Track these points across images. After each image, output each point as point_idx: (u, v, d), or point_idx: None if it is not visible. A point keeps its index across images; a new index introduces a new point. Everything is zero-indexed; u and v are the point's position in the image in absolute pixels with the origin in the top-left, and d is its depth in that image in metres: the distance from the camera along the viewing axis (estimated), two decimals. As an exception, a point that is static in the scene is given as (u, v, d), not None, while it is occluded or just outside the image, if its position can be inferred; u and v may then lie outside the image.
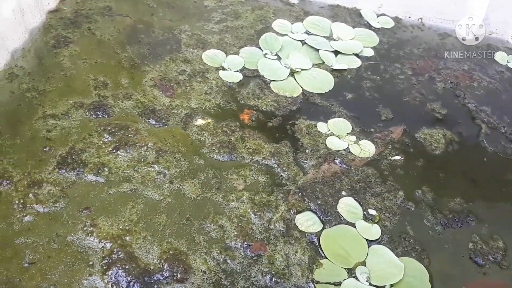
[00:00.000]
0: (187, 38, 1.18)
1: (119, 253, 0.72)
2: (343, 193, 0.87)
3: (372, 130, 1.01)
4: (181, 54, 1.13)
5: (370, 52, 1.22)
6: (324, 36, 1.24)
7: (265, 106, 1.03)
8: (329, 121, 1.01)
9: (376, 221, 0.83)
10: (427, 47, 1.28)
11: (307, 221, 0.81)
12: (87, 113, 0.93)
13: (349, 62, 1.18)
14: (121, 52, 1.11)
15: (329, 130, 0.99)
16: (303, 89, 1.08)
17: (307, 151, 0.94)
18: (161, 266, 0.72)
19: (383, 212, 0.85)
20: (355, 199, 0.86)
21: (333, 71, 1.14)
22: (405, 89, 1.15)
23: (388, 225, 0.83)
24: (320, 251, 0.78)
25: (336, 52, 1.20)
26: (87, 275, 0.69)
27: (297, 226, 0.80)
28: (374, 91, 1.12)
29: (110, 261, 0.71)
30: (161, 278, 0.71)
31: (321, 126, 1.00)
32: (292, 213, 0.82)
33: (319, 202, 0.84)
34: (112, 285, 0.69)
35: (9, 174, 0.80)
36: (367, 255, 0.78)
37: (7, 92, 0.96)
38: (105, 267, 0.70)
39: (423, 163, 0.96)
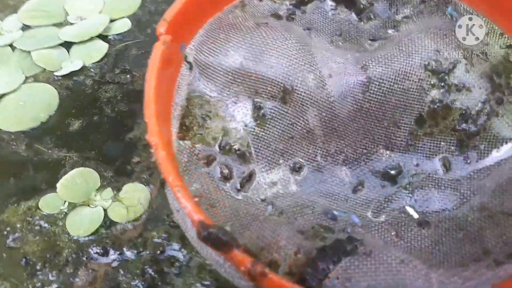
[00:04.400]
0: None
1: None
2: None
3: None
4: None
5: (126, 25, 0.82)
6: (54, 24, 0.83)
7: None
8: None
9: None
10: None
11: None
12: None
13: (86, 55, 0.78)
14: None
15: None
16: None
17: None
18: None
19: None
20: None
21: (61, 79, 0.75)
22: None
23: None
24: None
25: (70, 44, 0.79)
26: None
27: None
28: (125, 95, 0.73)
29: None
30: None
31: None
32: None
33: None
34: None
35: None
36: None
37: None
38: None
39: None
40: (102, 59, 0.77)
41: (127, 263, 0.56)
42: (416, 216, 0.53)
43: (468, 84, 0.53)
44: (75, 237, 0.58)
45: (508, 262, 0.44)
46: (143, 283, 0.55)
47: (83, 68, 0.76)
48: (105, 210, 0.61)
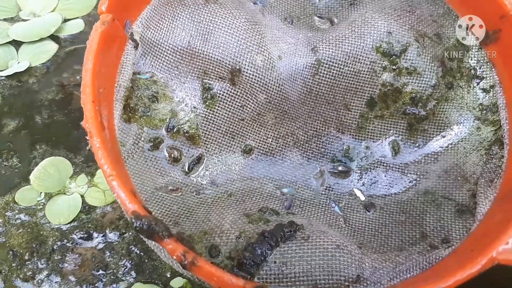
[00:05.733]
0: None
1: None
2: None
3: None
4: None
5: (79, 26, 0.78)
6: (5, 19, 0.78)
7: None
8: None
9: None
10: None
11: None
12: None
13: (35, 55, 0.74)
14: None
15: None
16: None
17: None
18: None
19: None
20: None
21: (5, 79, 0.72)
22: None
23: None
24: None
25: (20, 42, 0.75)
26: None
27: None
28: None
29: None
30: None
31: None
32: None
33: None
34: None
35: None
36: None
37: None
38: None
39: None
40: (50, 59, 0.74)
41: (112, 244, 0.57)
42: (362, 198, 0.54)
43: (419, 68, 0.52)
44: (57, 226, 0.58)
45: (442, 247, 0.46)
46: (130, 261, 0.56)
47: (30, 69, 0.73)
48: (82, 196, 0.60)
